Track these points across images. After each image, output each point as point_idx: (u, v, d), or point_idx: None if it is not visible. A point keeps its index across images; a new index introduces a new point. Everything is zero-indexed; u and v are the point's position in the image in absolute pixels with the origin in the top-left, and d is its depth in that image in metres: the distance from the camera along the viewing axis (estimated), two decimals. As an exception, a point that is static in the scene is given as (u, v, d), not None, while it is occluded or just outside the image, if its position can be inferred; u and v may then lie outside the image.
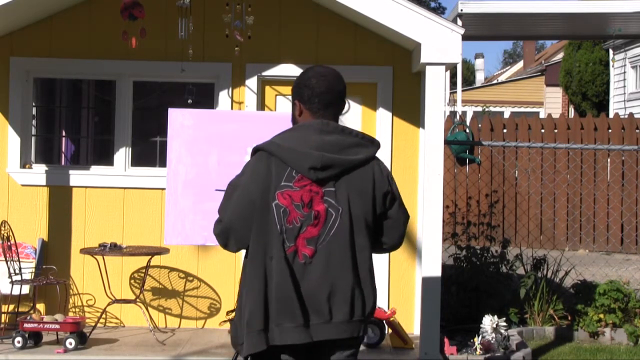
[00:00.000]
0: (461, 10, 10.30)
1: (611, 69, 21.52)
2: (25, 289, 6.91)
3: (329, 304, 3.08)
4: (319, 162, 3.10)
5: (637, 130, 13.20)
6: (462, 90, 19.77)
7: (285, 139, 3.17)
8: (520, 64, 39.83)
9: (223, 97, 7.20)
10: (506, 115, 23.23)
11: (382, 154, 7.16)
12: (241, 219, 3.15)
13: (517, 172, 13.16)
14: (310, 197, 3.11)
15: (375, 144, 3.25)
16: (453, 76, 27.68)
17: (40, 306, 7.08)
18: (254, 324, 3.08)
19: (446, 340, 6.52)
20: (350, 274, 3.11)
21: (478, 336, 6.66)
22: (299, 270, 3.09)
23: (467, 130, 11.65)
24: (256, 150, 3.21)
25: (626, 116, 14.08)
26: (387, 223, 3.25)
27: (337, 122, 3.25)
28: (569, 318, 7.63)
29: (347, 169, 3.14)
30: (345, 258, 3.11)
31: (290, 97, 7.16)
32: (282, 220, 3.10)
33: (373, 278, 3.20)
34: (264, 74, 7.19)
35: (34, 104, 7.37)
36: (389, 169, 7.19)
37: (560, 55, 27.55)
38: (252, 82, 7.19)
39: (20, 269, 6.76)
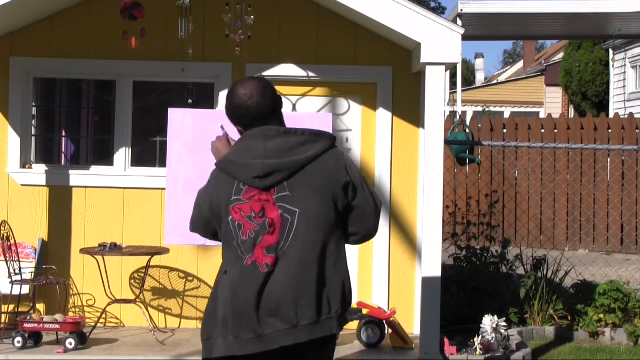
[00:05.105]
0: (461, 10, 10.29)
1: (611, 69, 21.51)
2: (25, 289, 6.91)
3: (295, 308, 3.07)
4: (261, 170, 3.12)
5: (637, 130, 13.19)
6: (462, 90, 19.79)
7: (233, 152, 3.24)
8: (520, 64, 39.84)
9: (223, 97, 7.20)
10: (506, 115, 23.24)
11: (383, 154, 7.22)
12: (203, 232, 3.36)
13: (517, 172, 13.16)
14: (261, 206, 3.12)
15: (325, 137, 3.22)
16: (453, 76, 27.67)
17: (40, 306, 7.08)
18: (204, 333, 3.18)
19: (446, 340, 6.52)
20: (315, 275, 3.09)
21: (478, 336, 6.66)
22: (262, 279, 3.08)
23: (467, 130, 11.68)
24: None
25: (626, 116, 14.07)
26: (354, 214, 3.22)
27: (281, 125, 3.26)
28: (569, 318, 7.63)
29: (296, 170, 3.14)
30: (308, 259, 3.10)
31: (289, 97, 7.23)
32: (238, 234, 3.14)
33: (342, 272, 3.17)
34: (264, 74, 7.19)
35: (34, 104, 7.37)
36: (389, 168, 7.24)
37: (560, 55, 27.55)
38: (252, 82, 7.18)
39: (20, 269, 6.76)
